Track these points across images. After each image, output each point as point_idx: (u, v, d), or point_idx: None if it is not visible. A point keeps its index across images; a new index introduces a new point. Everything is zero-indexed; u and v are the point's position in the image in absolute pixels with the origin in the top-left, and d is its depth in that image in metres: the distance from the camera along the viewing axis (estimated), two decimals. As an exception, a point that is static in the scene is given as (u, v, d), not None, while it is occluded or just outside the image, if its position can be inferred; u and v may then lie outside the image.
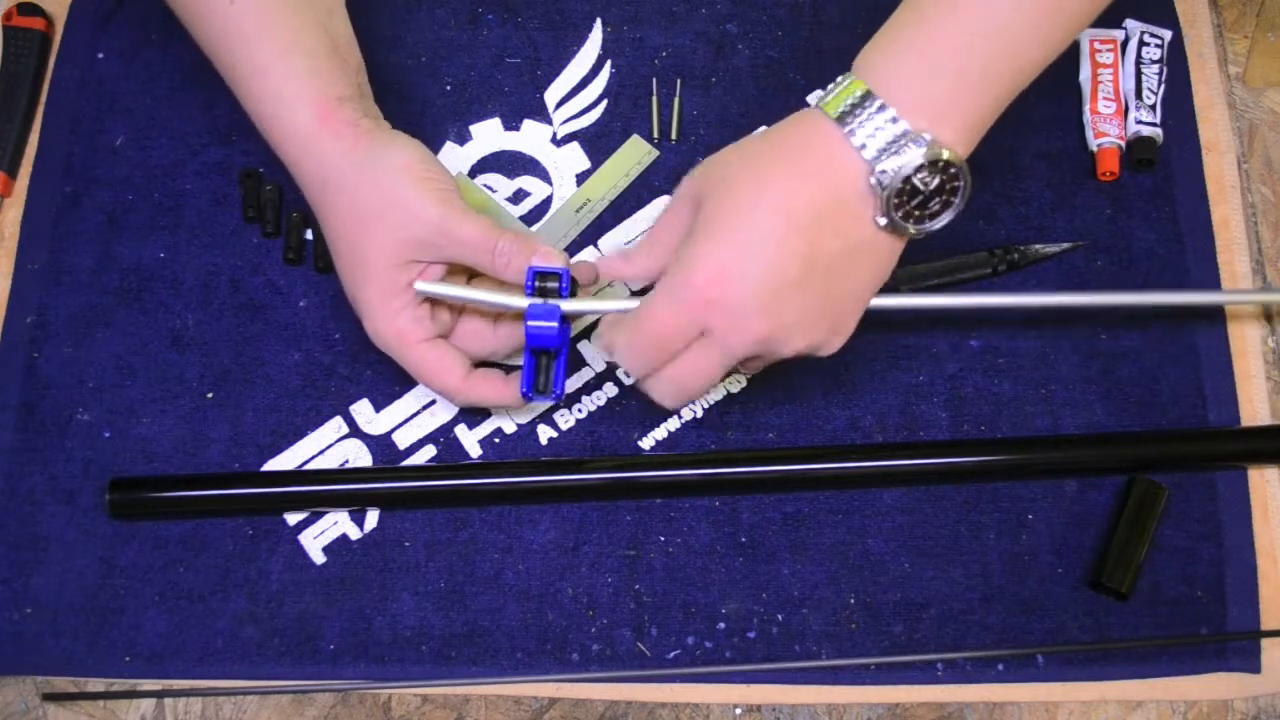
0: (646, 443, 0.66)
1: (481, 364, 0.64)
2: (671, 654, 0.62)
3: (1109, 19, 0.74)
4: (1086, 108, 0.72)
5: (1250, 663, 0.62)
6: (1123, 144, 0.71)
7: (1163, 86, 0.73)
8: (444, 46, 0.75)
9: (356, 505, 0.65)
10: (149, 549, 0.64)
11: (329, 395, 0.67)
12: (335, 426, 0.67)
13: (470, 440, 0.67)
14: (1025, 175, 0.71)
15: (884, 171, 0.52)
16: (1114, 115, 0.71)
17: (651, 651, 0.62)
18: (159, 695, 0.62)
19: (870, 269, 0.56)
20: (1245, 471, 0.65)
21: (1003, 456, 0.65)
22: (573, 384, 0.67)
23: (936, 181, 0.53)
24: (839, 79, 0.54)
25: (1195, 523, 0.64)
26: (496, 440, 0.67)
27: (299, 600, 0.63)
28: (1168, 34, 0.74)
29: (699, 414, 0.67)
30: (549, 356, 0.61)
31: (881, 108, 0.52)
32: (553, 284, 0.59)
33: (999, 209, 0.71)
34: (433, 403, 0.67)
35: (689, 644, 0.63)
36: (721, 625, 0.63)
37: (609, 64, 0.75)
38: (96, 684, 0.63)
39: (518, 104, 0.74)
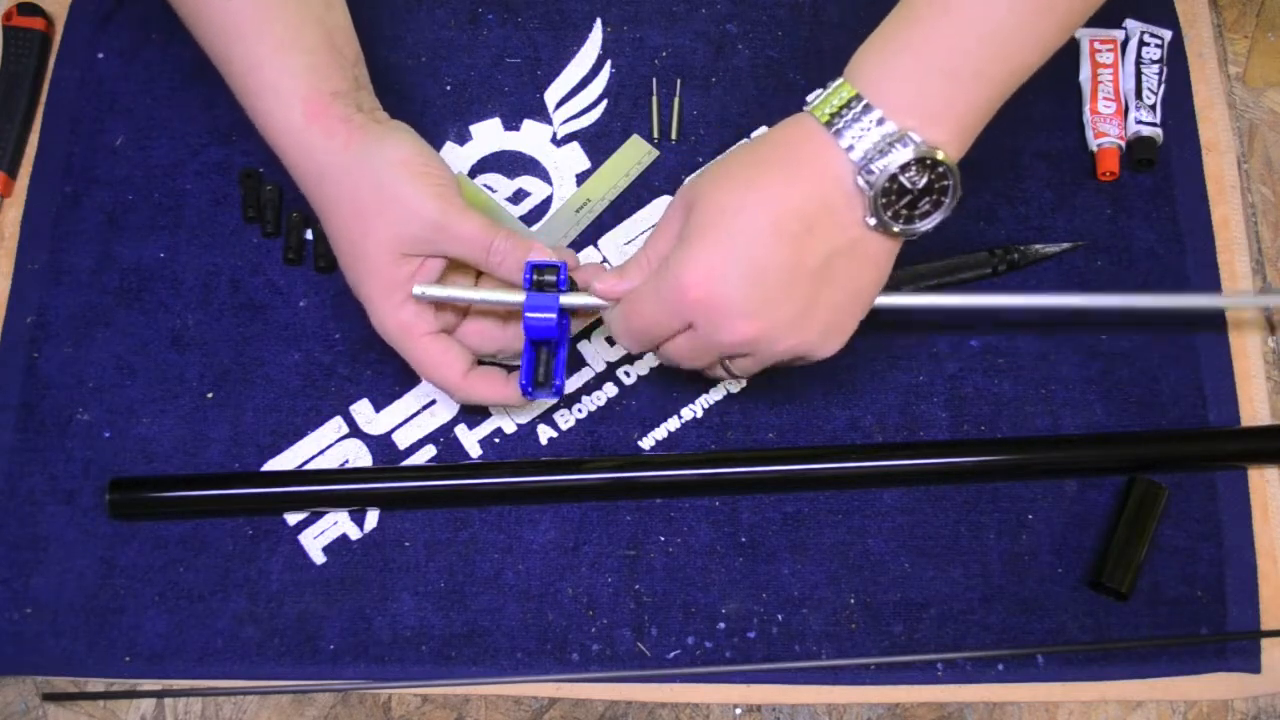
0: (646, 443, 0.66)
1: (483, 363, 0.64)
2: (671, 654, 0.62)
3: (1109, 19, 0.74)
4: (1086, 108, 0.72)
5: (1250, 663, 0.62)
6: (1123, 144, 0.71)
7: (1163, 86, 0.73)
8: (444, 46, 0.75)
9: (356, 505, 0.65)
10: (149, 549, 0.64)
11: (329, 395, 0.67)
12: (335, 426, 0.67)
13: (470, 440, 0.67)
14: (1025, 175, 0.71)
15: (870, 171, 0.52)
16: (1114, 115, 0.71)
17: (651, 651, 0.62)
18: (159, 695, 0.62)
19: (863, 271, 0.56)
20: (1245, 471, 0.65)
21: (1003, 456, 0.65)
22: (573, 384, 0.68)
23: (925, 180, 0.53)
24: (830, 83, 0.54)
25: (1195, 523, 0.64)
26: (496, 440, 0.67)
27: (299, 600, 0.63)
28: (1168, 34, 0.74)
29: (699, 414, 0.67)
30: (548, 350, 0.61)
31: (869, 109, 0.53)
32: (550, 277, 0.59)
33: (999, 209, 0.71)
34: (433, 403, 0.67)
35: (689, 644, 0.63)
36: (721, 625, 0.63)
37: (609, 64, 0.75)
38: (96, 684, 0.63)
39: (518, 104, 0.74)
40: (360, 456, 0.66)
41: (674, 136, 0.73)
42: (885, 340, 0.68)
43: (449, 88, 0.74)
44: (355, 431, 0.67)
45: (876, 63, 0.54)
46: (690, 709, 0.62)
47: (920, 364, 0.68)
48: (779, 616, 0.63)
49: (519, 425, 0.67)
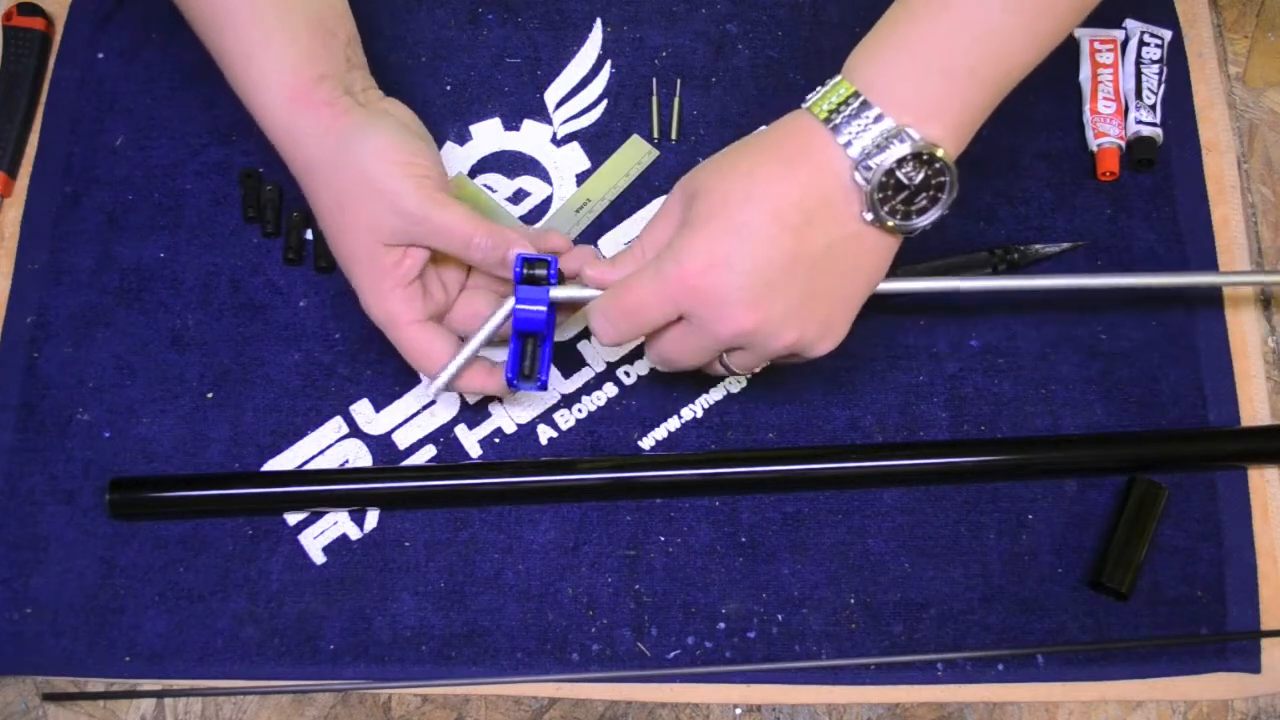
0: (646, 443, 0.66)
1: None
2: (671, 654, 0.62)
3: (1109, 19, 0.74)
4: (1086, 108, 0.72)
5: (1250, 663, 0.62)
6: (1123, 144, 0.71)
7: (1163, 86, 0.73)
8: (444, 46, 0.75)
9: (356, 505, 0.65)
10: (149, 549, 0.64)
11: (329, 395, 0.67)
12: (335, 426, 0.67)
13: (470, 440, 0.67)
14: (1025, 175, 0.71)
15: (868, 166, 0.53)
16: (1114, 115, 0.71)
17: (651, 651, 0.62)
18: (159, 695, 0.62)
19: (861, 267, 0.56)
20: (1245, 471, 0.65)
21: (1003, 456, 0.65)
22: (573, 384, 0.68)
23: (921, 176, 0.54)
24: (829, 80, 0.55)
25: (1195, 523, 0.64)
26: (496, 440, 0.67)
27: (299, 600, 0.63)
28: (1168, 34, 0.74)
29: (699, 414, 0.67)
30: (534, 342, 0.61)
31: (866, 106, 0.53)
32: (541, 271, 0.59)
33: (999, 209, 0.71)
34: (433, 403, 0.67)
35: (689, 644, 0.63)
36: (721, 625, 0.63)
37: (609, 64, 0.75)
38: (96, 684, 0.63)
39: (518, 104, 0.74)
40: (360, 456, 0.66)
41: (674, 136, 0.73)
42: (885, 340, 0.68)
43: (449, 88, 0.74)
44: (355, 431, 0.67)
45: (874, 60, 0.54)
46: (690, 709, 0.62)
47: (920, 364, 0.68)
48: (779, 616, 0.63)
49: (519, 425, 0.67)
